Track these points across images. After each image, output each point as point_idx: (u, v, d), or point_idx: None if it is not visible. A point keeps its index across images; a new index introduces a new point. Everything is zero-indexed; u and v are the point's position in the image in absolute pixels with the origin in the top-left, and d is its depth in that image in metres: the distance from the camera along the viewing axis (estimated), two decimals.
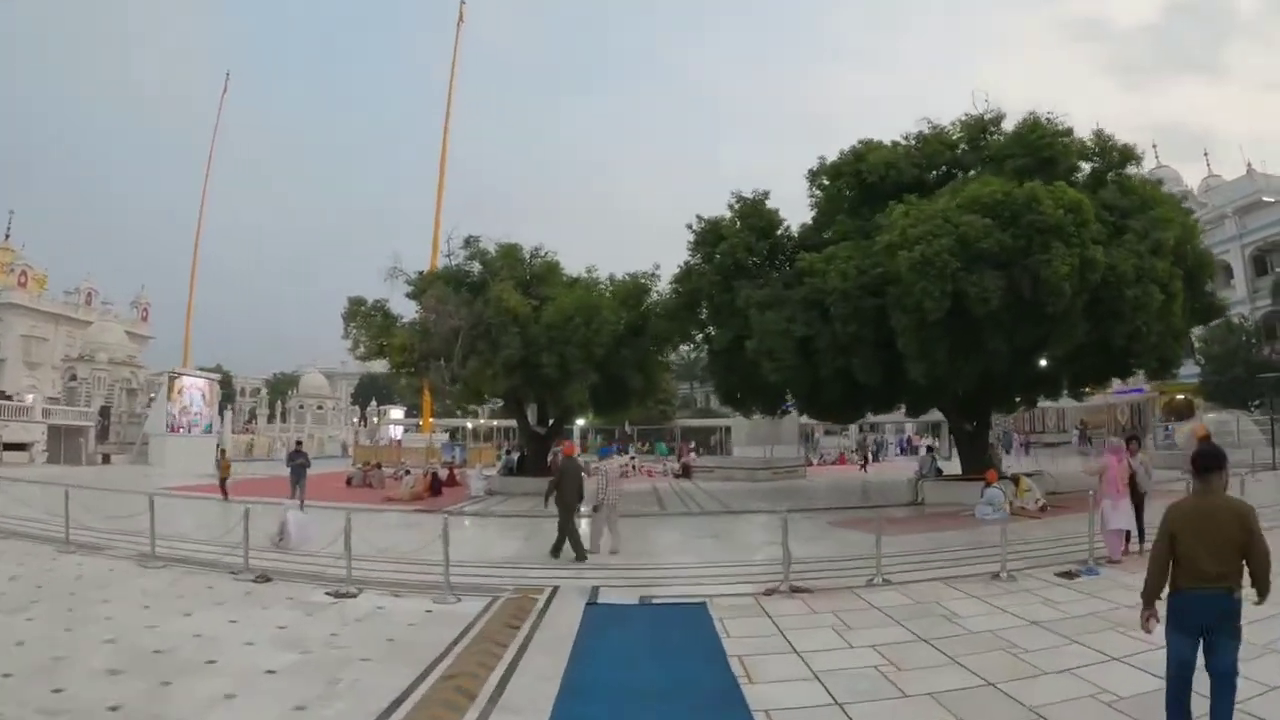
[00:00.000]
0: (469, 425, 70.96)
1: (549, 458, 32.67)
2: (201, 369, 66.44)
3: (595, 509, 14.59)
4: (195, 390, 58.64)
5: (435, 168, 62.71)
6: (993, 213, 18.52)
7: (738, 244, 22.81)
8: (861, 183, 23.29)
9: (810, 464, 40.69)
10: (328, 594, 10.84)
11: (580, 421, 66.99)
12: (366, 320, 30.18)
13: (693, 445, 57.94)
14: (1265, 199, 48.84)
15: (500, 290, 26.99)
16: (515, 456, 33.83)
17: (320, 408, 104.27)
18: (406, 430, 74.06)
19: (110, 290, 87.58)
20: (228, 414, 72.72)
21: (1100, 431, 57.92)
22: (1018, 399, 27.74)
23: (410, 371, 30.67)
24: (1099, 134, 23.69)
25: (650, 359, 27.27)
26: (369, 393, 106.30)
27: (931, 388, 20.74)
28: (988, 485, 19.26)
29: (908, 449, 58.69)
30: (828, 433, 65.30)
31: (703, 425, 73.67)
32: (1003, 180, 19.50)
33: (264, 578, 11.78)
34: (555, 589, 11.12)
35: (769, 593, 10.56)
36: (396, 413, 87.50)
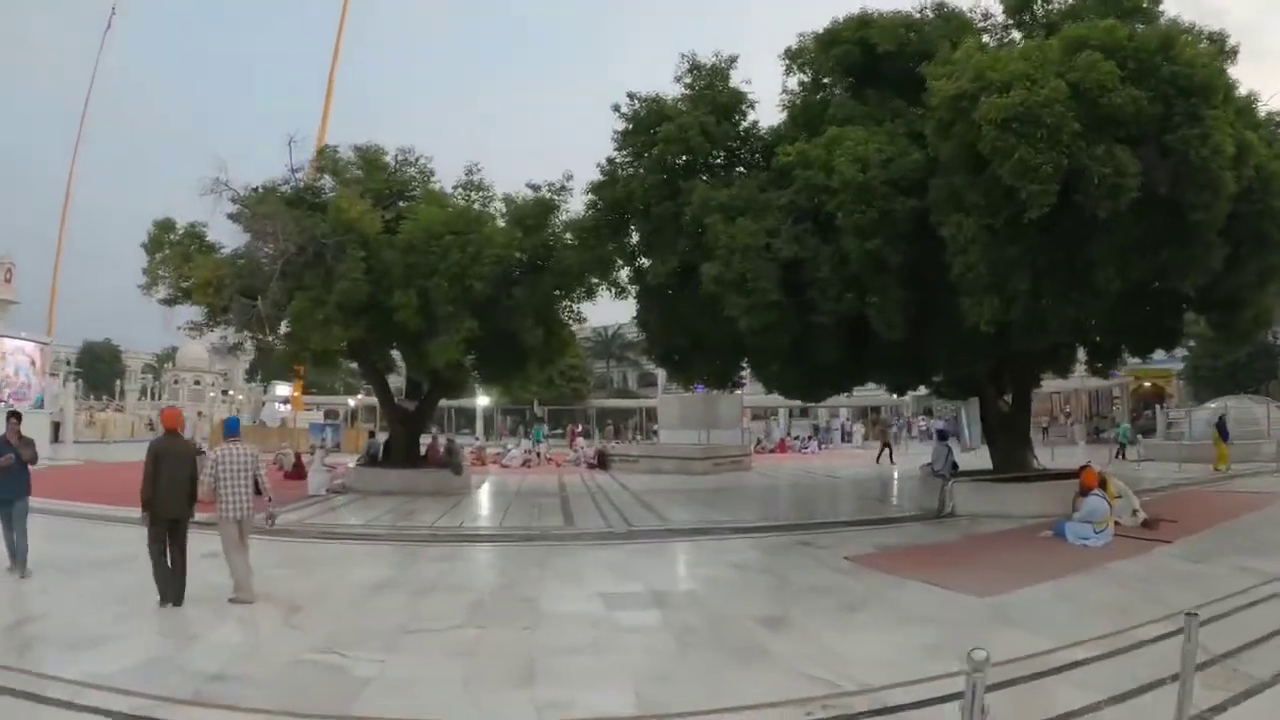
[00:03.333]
0: (351, 403, 61.71)
1: (428, 443, 24.68)
2: (91, 342, 54.87)
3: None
4: (20, 356, 47.60)
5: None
6: (1110, 58, 11.44)
7: (689, 125, 15.10)
8: (868, 53, 15.88)
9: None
10: None
11: (483, 400, 58.73)
12: (176, 251, 21.14)
13: (579, 428, 50.25)
14: None
15: (340, 198, 18.75)
16: (378, 442, 25.49)
17: (198, 383, 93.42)
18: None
19: None
20: (69, 385, 62.03)
21: (1041, 420, 53.03)
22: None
23: (223, 321, 21.85)
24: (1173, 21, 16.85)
25: (554, 306, 19.25)
26: (266, 367, 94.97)
27: (986, 344, 13.50)
28: (1083, 491, 12.29)
29: (848, 436, 52.45)
30: (755, 417, 58.83)
31: (621, 406, 66.39)
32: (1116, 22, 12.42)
33: None
34: None
35: None
36: (284, 389, 77.43)
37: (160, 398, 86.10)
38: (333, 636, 7.19)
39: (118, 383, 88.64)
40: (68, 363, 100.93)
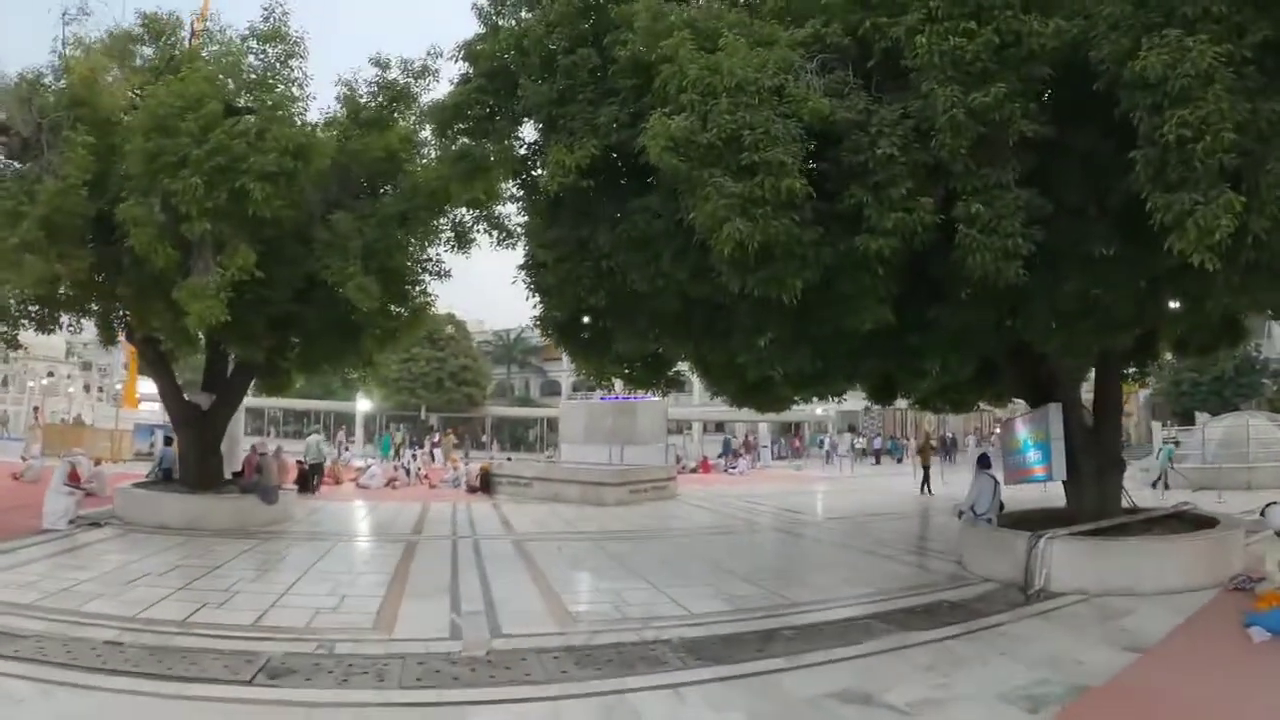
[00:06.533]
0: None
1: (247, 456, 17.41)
2: None
3: None
4: None
5: None
6: None
7: None
8: None
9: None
10: None
11: (363, 404, 50.62)
12: None
13: (437, 439, 42.15)
14: None
15: (74, 59, 11.74)
16: (174, 453, 17.97)
17: (51, 374, 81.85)
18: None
19: None
20: None
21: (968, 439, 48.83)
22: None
23: None
24: None
25: (401, 250, 12.31)
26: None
27: (1162, 300, 7.56)
28: None
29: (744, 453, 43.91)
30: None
31: (520, 415, 59.39)
32: None
33: None
34: None
35: None
36: (151, 385, 66.41)
37: (7, 388, 74.69)
38: None
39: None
40: None
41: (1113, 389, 11.43)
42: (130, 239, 10.46)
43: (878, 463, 41.57)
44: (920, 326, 8.32)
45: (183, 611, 8.11)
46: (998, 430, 49.82)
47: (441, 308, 55.13)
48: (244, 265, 10.14)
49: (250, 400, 49.95)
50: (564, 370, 61.78)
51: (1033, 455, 11.02)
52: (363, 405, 49.99)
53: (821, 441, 49.32)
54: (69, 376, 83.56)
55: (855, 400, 39.23)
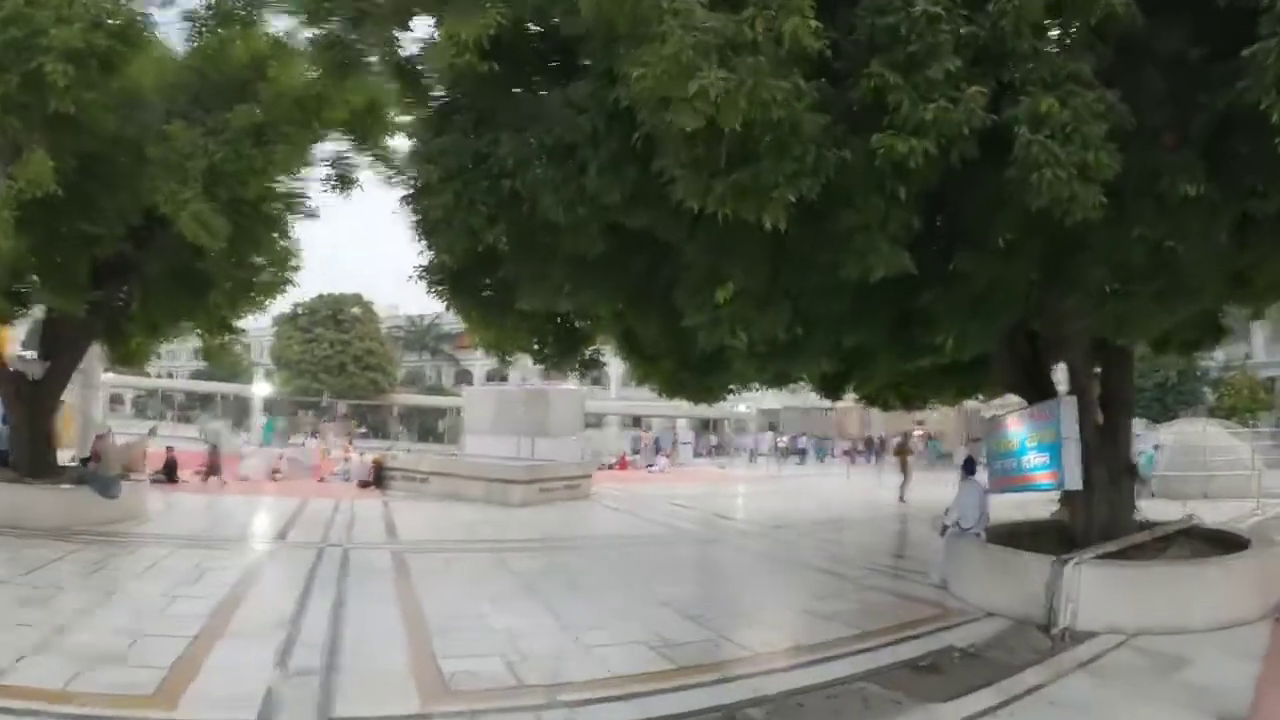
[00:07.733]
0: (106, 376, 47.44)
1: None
2: None
3: None
4: None
5: None
6: None
7: None
8: None
9: None
10: None
11: (261, 388, 46.55)
12: None
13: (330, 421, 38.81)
14: None
15: None
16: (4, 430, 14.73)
17: None
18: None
19: None
20: None
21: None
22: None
23: None
24: None
25: (258, 174, 9.40)
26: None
27: None
28: None
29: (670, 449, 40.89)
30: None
31: (429, 404, 56.13)
32: None
33: None
34: None
35: None
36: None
37: None
38: None
39: None
40: None
41: (1125, 382, 9.63)
42: None
43: (802, 463, 40.07)
44: (937, 282, 6.19)
45: None
46: (918, 432, 49.07)
47: (351, 289, 51.48)
48: (38, 177, 7.43)
49: (149, 381, 45.23)
50: (477, 359, 58.76)
51: (1034, 459, 9.06)
52: (260, 389, 46.11)
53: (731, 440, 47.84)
54: None
55: (776, 398, 37.55)
